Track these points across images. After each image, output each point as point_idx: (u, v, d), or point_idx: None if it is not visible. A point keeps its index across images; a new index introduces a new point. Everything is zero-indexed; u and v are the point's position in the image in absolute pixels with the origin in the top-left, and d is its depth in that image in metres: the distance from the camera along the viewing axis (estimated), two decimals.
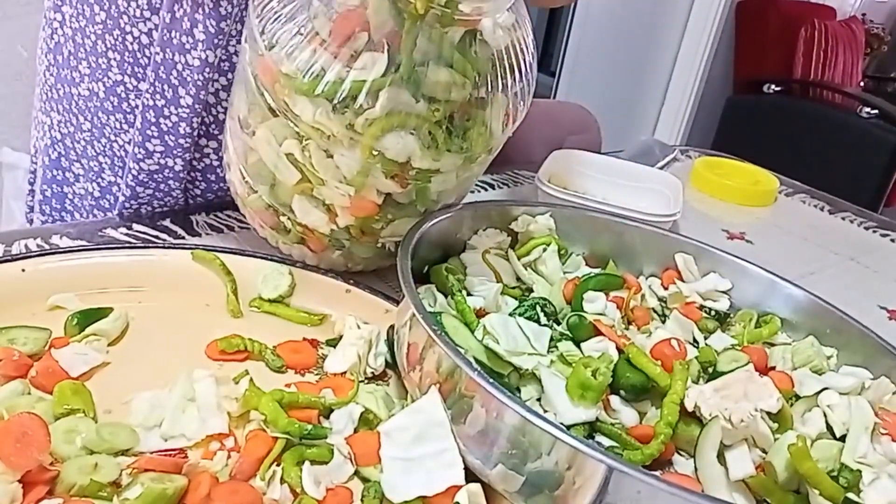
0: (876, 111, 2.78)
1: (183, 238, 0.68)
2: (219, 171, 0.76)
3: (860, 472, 0.43)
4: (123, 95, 0.72)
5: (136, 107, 0.71)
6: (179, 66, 0.67)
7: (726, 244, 0.92)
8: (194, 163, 0.74)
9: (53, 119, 0.76)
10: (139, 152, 0.71)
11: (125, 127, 0.73)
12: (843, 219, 1.09)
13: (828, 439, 0.47)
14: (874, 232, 1.05)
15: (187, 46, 0.66)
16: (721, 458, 0.44)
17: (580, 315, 0.53)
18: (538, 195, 0.84)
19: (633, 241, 0.65)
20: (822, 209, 1.12)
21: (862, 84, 3.32)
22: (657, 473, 0.44)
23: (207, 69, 0.67)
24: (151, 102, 0.69)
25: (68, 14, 0.70)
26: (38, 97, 0.77)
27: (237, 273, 0.59)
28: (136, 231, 0.68)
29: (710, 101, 3.14)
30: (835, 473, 0.43)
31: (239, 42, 0.68)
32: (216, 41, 0.66)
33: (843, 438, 0.46)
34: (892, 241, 1.03)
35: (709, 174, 1.11)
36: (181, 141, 0.71)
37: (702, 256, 0.64)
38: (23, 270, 0.54)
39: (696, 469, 0.44)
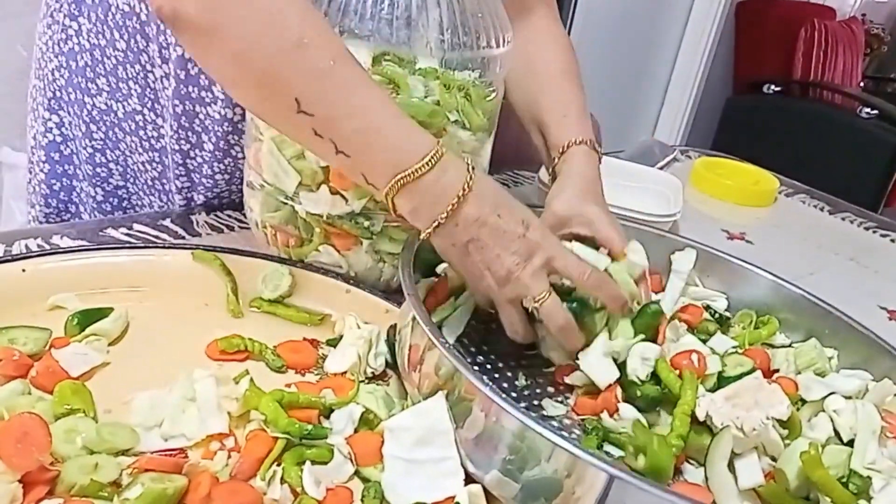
0: (876, 111, 2.78)
1: (183, 238, 0.68)
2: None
3: (870, 478, 0.43)
4: (141, 124, 0.74)
5: (154, 137, 0.74)
6: (201, 115, 0.70)
7: (726, 244, 0.92)
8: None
9: (63, 118, 0.77)
10: (173, 187, 0.75)
11: (140, 150, 0.75)
12: (843, 219, 1.09)
13: (836, 444, 0.47)
14: (874, 232, 1.05)
15: (207, 100, 0.69)
16: (730, 466, 0.43)
17: None
18: (538, 195, 0.84)
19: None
20: (822, 209, 1.12)
21: (862, 84, 3.31)
22: (667, 482, 0.44)
23: (226, 124, 0.70)
24: (177, 147, 0.72)
25: (86, 27, 0.71)
26: (39, 91, 0.77)
27: (237, 273, 0.59)
28: (137, 231, 0.68)
29: (709, 102, 3.14)
30: (844, 480, 0.43)
31: None
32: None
33: (850, 443, 0.46)
34: (893, 241, 1.03)
35: (709, 174, 1.11)
36: (205, 181, 0.74)
37: (701, 257, 0.64)
38: (23, 270, 0.54)
39: (706, 478, 0.44)
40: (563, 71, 0.69)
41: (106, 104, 0.74)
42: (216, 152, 0.72)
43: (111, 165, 0.78)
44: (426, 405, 0.42)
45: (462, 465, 0.41)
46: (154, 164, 0.76)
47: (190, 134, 0.71)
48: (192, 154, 0.73)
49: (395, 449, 0.42)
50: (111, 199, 0.80)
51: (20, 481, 0.37)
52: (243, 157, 0.72)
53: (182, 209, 0.76)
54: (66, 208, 0.81)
